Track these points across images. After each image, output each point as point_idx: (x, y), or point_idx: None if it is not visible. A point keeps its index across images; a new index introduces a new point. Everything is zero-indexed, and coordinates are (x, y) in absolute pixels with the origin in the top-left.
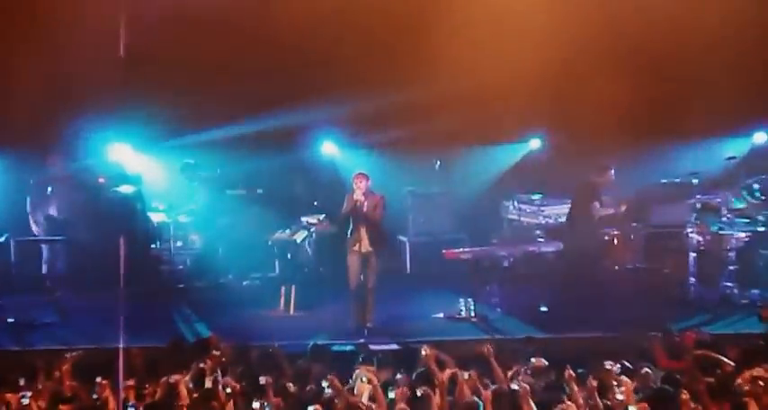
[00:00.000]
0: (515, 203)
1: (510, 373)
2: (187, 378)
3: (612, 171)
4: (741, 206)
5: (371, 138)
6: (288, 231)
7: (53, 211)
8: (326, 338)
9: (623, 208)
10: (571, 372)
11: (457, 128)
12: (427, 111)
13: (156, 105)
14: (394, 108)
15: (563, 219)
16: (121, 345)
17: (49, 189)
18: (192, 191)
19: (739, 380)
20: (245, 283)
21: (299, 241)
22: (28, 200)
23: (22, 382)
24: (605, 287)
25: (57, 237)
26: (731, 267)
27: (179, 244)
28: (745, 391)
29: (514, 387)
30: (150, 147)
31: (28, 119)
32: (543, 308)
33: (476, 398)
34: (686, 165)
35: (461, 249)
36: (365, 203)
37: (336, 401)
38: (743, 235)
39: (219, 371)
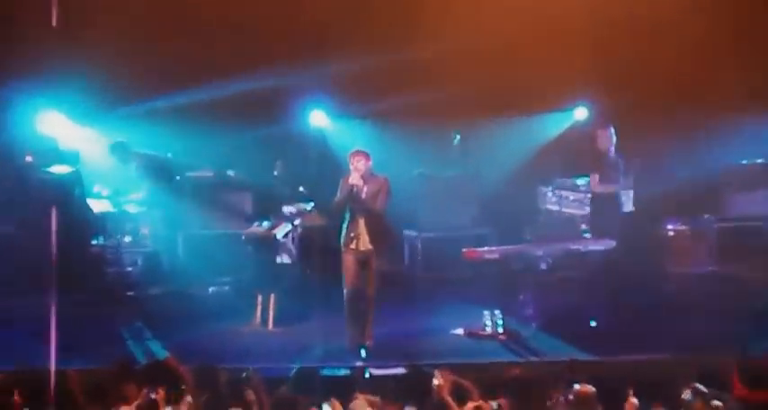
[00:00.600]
0: (555, 189)
1: (549, 404)
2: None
3: (612, 131)
4: None
5: (371, 105)
6: (266, 224)
7: None
8: (315, 360)
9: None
10: (634, 401)
11: (481, 93)
12: (443, 73)
13: (101, 66)
14: (400, 68)
15: None
16: (53, 367)
17: None
18: (141, 175)
19: None
20: (210, 290)
21: (279, 236)
22: None
23: None
24: (669, 296)
25: None
26: None
27: (128, 239)
28: None
29: None
30: (91, 117)
31: None
32: (591, 323)
33: None
34: None
35: (486, 248)
36: (365, 189)
37: None
38: None
39: (178, 402)
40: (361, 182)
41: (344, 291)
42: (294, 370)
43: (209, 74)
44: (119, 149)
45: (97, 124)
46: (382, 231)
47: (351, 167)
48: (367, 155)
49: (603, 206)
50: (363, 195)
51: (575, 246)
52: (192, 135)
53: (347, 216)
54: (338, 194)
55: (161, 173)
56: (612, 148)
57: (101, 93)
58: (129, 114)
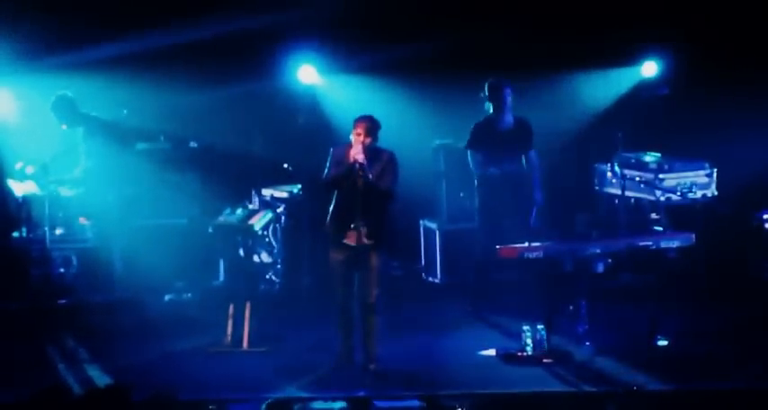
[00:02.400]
0: (616, 168)
1: None
2: None
3: None
4: None
5: (377, 56)
6: (240, 212)
7: None
8: (301, 389)
9: None
10: None
11: (516, 39)
12: (466, 12)
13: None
14: (415, 4)
15: (697, 195)
16: None
17: None
18: (79, 144)
19: None
20: (167, 298)
21: (257, 228)
22: None
23: None
24: (764, 308)
25: None
26: None
27: (59, 231)
28: None
29: None
30: (9, 70)
31: None
32: (662, 342)
33: None
34: None
35: (526, 243)
36: (366, 167)
37: None
38: None
39: None
40: (362, 157)
41: (336, 299)
42: (269, 403)
43: (164, 12)
44: (65, 106)
45: (16, 79)
46: (386, 222)
47: (353, 137)
48: (375, 123)
49: None
50: (366, 174)
51: (643, 242)
52: (142, 94)
53: (337, 200)
54: (329, 170)
55: (116, 143)
56: None
57: (20, 38)
58: (58, 66)
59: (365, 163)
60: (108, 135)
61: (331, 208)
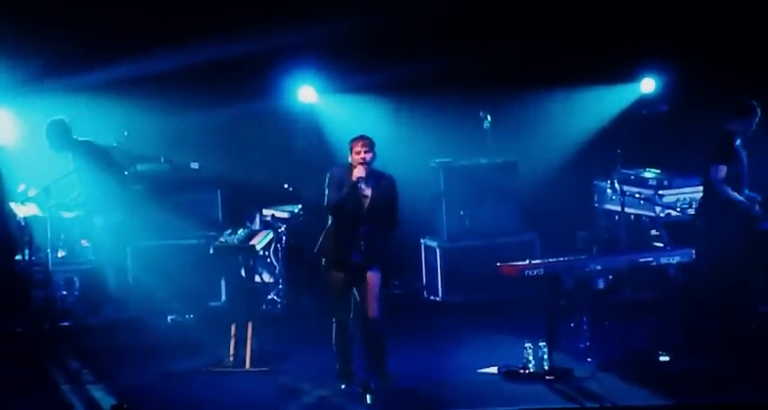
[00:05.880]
0: (616, 185)
1: None
2: None
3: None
4: None
5: (375, 76)
6: (241, 233)
7: None
8: (305, 409)
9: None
10: None
11: (517, 58)
12: (465, 31)
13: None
14: (414, 25)
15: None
16: None
17: None
18: (77, 168)
19: None
20: (170, 319)
21: (258, 248)
22: None
23: None
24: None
25: None
26: None
27: (61, 254)
28: None
29: None
30: (11, 92)
31: None
32: (663, 358)
33: None
34: None
35: (528, 261)
36: (370, 188)
37: None
38: None
39: None
40: (364, 175)
41: (335, 318)
42: None
43: (166, 36)
44: (56, 131)
45: (18, 103)
46: (387, 242)
47: (353, 157)
48: (372, 144)
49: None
50: (369, 193)
51: (644, 259)
52: (142, 116)
53: (338, 219)
54: (330, 193)
55: (107, 166)
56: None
57: (23, 61)
58: (60, 89)
59: (368, 182)
60: (97, 160)
61: (328, 227)
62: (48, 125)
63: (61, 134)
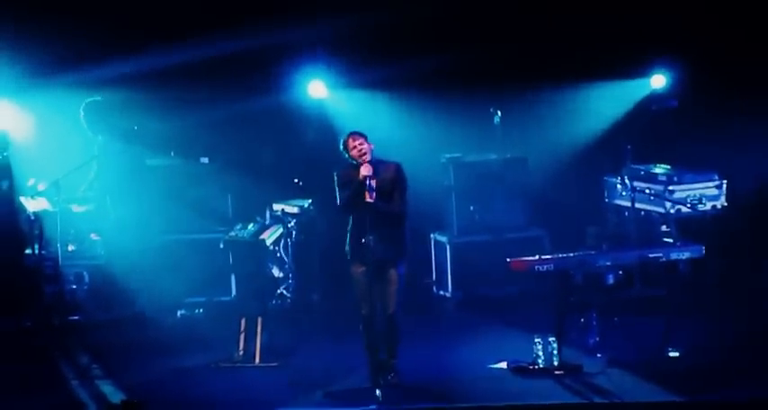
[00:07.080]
0: (626, 180)
1: None
2: None
3: None
4: None
5: (386, 71)
6: (251, 227)
7: None
8: (313, 404)
9: None
10: None
11: (527, 54)
12: (475, 26)
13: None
14: (424, 21)
15: (707, 207)
16: None
17: None
18: (95, 157)
19: None
20: (180, 314)
21: (269, 243)
22: None
23: None
24: None
25: None
26: None
27: (71, 248)
28: None
29: None
30: (21, 88)
31: None
32: (673, 353)
33: None
34: None
35: (537, 256)
36: (374, 180)
37: None
38: None
39: None
40: (369, 171)
41: (362, 314)
42: None
43: (176, 31)
44: (99, 110)
45: (29, 97)
46: (400, 235)
47: (353, 154)
48: (365, 137)
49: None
50: (374, 185)
51: (654, 255)
52: (153, 111)
53: (353, 217)
54: (339, 192)
55: (133, 156)
56: None
57: (33, 55)
58: (70, 83)
59: (374, 178)
60: (128, 144)
61: (349, 227)
62: (85, 105)
63: (101, 114)
